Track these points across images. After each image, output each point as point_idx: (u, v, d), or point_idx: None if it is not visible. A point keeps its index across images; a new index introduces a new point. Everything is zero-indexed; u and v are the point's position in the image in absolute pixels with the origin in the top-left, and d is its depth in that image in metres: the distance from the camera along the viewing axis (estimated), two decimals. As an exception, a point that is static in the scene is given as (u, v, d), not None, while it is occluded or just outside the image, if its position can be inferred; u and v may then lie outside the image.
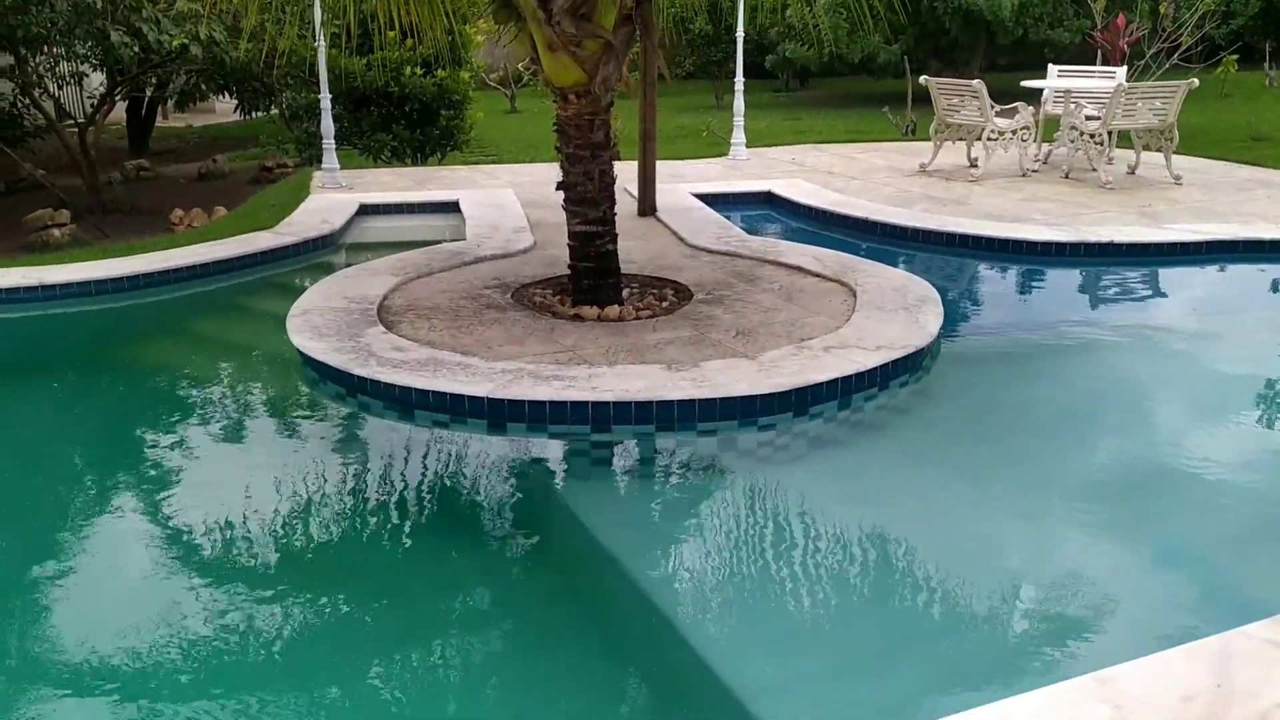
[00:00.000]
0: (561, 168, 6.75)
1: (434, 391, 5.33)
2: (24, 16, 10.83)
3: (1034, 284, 8.33)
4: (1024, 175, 11.31)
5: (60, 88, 15.67)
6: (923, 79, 11.93)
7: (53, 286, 7.22)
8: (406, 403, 5.42)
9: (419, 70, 12.68)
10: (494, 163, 14.58)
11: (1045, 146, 12.03)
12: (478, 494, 4.84)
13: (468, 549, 4.38)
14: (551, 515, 4.79)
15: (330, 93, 11.63)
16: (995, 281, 8.52)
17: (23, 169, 14.66)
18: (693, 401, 5.17)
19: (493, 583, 4.13)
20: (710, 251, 8.17)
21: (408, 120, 13.13)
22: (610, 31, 6.26)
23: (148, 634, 3.59)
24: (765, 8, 12.13)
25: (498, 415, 5.24)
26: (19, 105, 15.12)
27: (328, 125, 10.62)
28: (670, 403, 5.16)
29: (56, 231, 12.13)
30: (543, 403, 5.17)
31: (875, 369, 5.56)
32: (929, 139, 11.89)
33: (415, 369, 5.54)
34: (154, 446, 5.43)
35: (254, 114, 17.59)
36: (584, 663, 3.57)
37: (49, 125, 14.25)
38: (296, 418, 5.78)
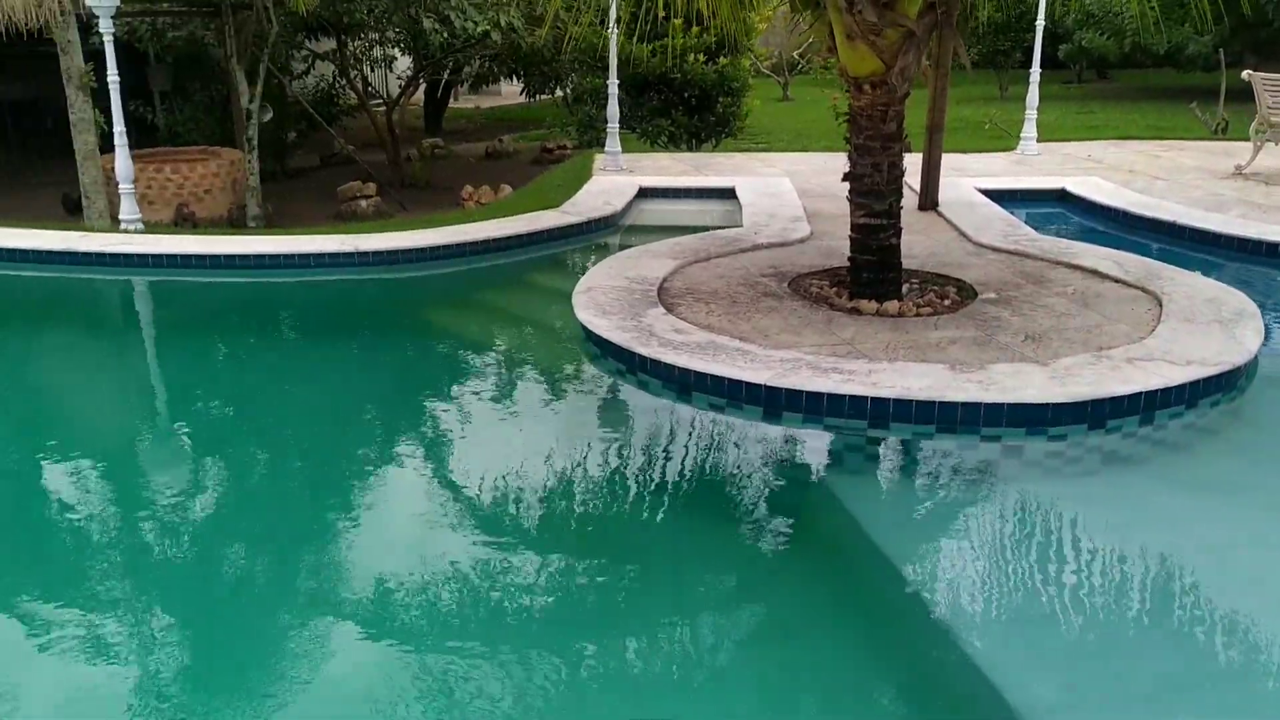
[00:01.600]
0: (849, 158, 6.65)
1: (712, 375, 5.41)
2: (349, 4, 11.81)
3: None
4: (1361, 182, 10.15)
5: (372, 70, 17.01)
6: (1245, 74, 10.89)
7: (366, 253, 7.85)
8: (685, 384, 5.53)
9: (701, 57, 12.85)
10: (765, 150, 14.60)
11: (1388, 150, 10.74)
12: (747, 479, 4.87)
13: (732, 532, 4.42)
14: (821, 507, 4.76)
15: (616, 78, 11.99)
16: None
17: (336, 144, 16.04)
18: (978, 405, 4.99)
19: (753, 568, 4.15)
20: (996, 250, 7.83)
21: (685, 106, 13.35)
22: (913, 20, 6.10)
23: (421, 581, 3.87)
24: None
25: (774, 403, 5.25)
26: (336, 86, 16.56)
27: (613, 110, 10.97)
28: (954, 404, 5.00)
29: (363, 202, 13.20)
30: (820, 394, 5.14)
31: (1184, 385, 5.16)
32: (1246, 139, 10.87)
33: (694, 351, 5.63)
34: (442, 405, 5.82)
35: (537, 97, 18.45)
36: (840, 656, 3.54)
37: (360, 104, 15.53)
38: (577, 390, 6.03)
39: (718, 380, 5.40)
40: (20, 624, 3.65)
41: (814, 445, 5.16)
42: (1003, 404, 4.98)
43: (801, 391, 5.17)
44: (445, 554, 4.08)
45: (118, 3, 8.47)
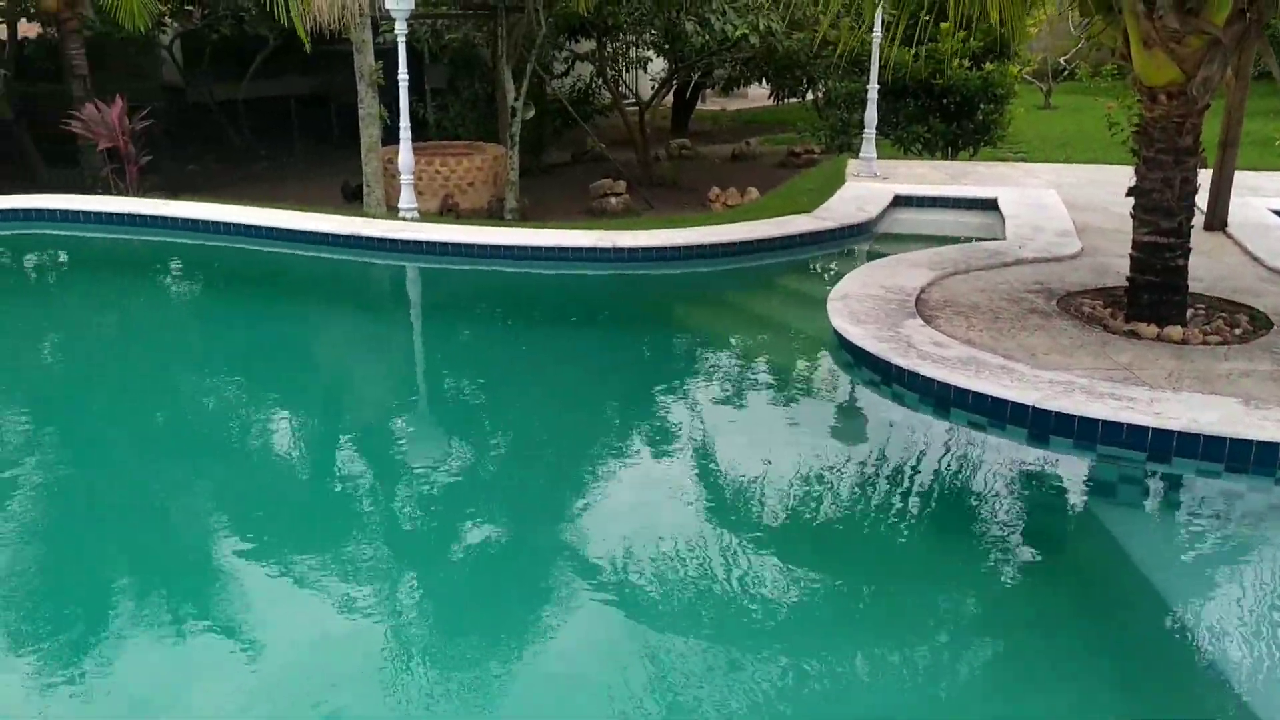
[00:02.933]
0: (1137, 171, 6.26)
1: (975, 392, 5.22)
2: (615, 7, 12.15)
3: None
4: None
5: (626, 71, 17.46)
6: None
7: (622, 249, 8.06)
8: (944, 399, 5.36)
9: (965, 62, 12.43)
10: (1023, 159, 13.95)
11: None
12: (1007, 503, 4.68)
13: (986, 557, 4.26)
14: (1089, 540, 4.51)
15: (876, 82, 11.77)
16: None
17: (589, 141, 16.57)
18: (1276, 445, 4.58)
19: (1007, 594, 3.99)
20: (1295, 278, 7.18)
21: (944, 112, 12.95)
22: (1220, 28, 5.66)
23: (656, 572, 3.94)
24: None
25: (1042, 426, 5.01)
26: (593, 85, 17.10)
27: (871, 115, 10.78)
28: (1248, 442, 4.61)
29: (613, 199, 13.57)
30: (1094, 420, 4.85)
31: None
32: None
33: (955, 366, 5.45)
34: (691, 403, 5.89)
35: (785, 100, 18.37)
36: (1096, 691, 3.34)
37: (614, 104, 15.97)
38: (829, 398, 5.97)
39: (980, 397, 5.20)
40: (335, 577, 3.98)
41: (1083, 474, 4.90)
42: (1307, 446, 4.55)
43: (1074, 416, 4.90)
44: (683, 550, 4.13)
45: (412, 6, 9.05)
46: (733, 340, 7.06)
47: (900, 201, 9.86)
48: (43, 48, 14.72)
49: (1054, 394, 5.07)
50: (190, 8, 13.75)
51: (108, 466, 5.08)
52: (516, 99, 12.36)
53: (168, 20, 13.66)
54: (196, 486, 4.80)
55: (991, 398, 5.16)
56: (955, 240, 8.47)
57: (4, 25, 14.07)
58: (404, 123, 9.41)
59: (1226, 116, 8.24)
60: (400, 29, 9.11)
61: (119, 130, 10.48)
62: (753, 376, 6.33)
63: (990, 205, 9.57)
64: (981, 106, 12.90)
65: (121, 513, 4.50)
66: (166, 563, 4.07)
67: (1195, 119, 5.98)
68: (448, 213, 11.90)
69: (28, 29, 14.63)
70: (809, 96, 16.91)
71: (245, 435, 5.56)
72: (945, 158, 13.21)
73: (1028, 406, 5.02)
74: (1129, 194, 6.32)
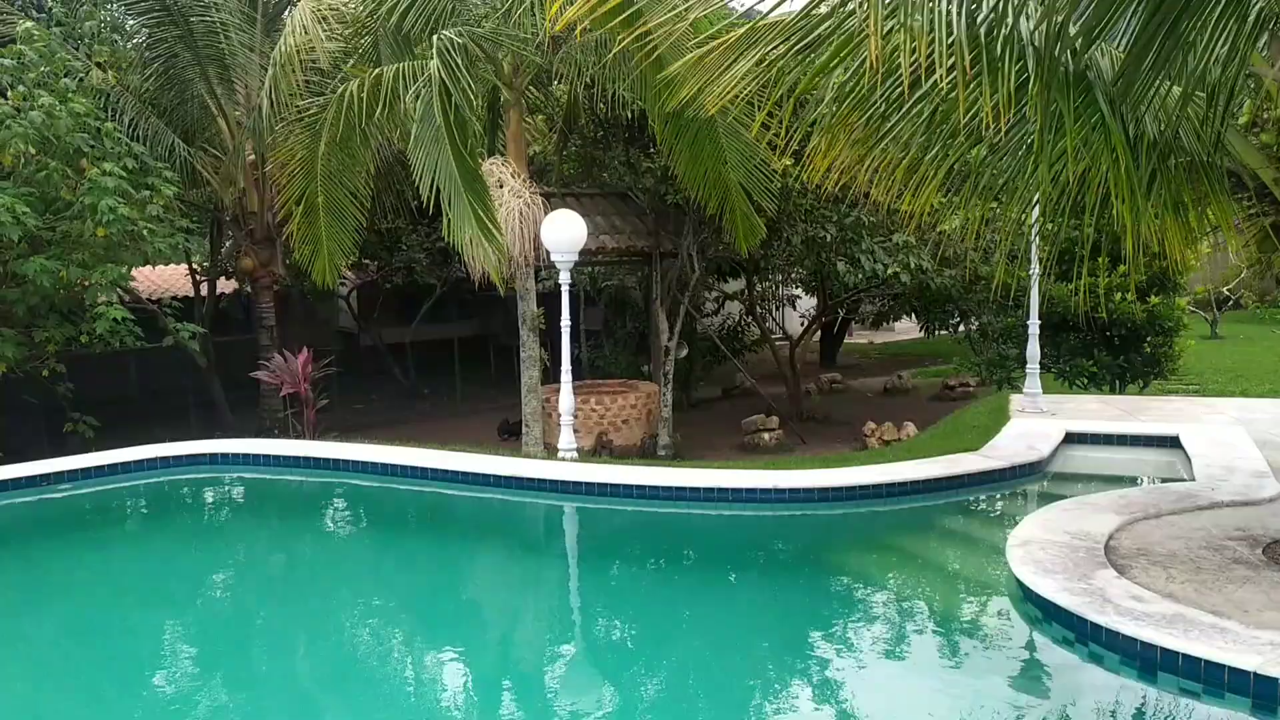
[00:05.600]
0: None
1: (1185, 654, 4.75)
2: (767, 249, 12.56)
3: None
4: None
5: (777, 309, 17.86)
6: None
7: (783, 490, 7.92)
8: (1149, 661, 4.89)
9: (1130, 295, 12.21)
10: (1197, 392, 13.39)
11: None
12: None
13: None
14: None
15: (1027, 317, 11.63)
16: None
17: (738, 377, 16.79)
18: None
19: None
20: None
21: (1109, 346, 12.64)
22: None
23: None
24: None
25: (1266, 695, 4.49)
26: (742, 322, 17.52)
27: (1033, 350, 10.59)
28: None
29: (766, 435, 13.56)
30: (1330, 691, 4.33)
31: None
32: None
33: (1160, 624, 5.00)
34: (857, 658, 5.55)
35: (936, 333, 18.36)
36: None
37: (764, 339, 16.26)
38: (1017, 658, 5.54)
39: (1191, 661, 4.73)
40: None
41: (1324, 753, 4.33)
42: None
43: (1303, 685, 4.39)
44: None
45: (576, 257, 9.54)
46: (904, 589, 6.72)
47: (1072, 439, 9.47)
48: (236, 302, 16.10)
49: (1276, 658, 4.57)
50: (367, 261, 14.89)
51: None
52: (670, 339, 12.72)
53: (348, 274, 14.80)
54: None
55: (1206, 661, 4.69)
56: (1134, 481, 8.02)
57: (206, 283, 15.52)
58: (565, 365, 9.72)
59: None
60: (564, 279, 9.56)
61: (301, 377, 11.17)
62: (928, 632, 5.96)
63: (1173, 443, 9.08)
64: (1148, 339, 12.55)
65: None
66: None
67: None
68: (602, 449, 12.08)
69: (225, 285, 16.07)
70: (959, 329, 16.86)
71: (403, 675, 5.54)
72: (1113, 392, 12.78)
73: (1249, 673, 4.53)
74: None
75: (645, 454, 12.52)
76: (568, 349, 9.72)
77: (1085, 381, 12.70)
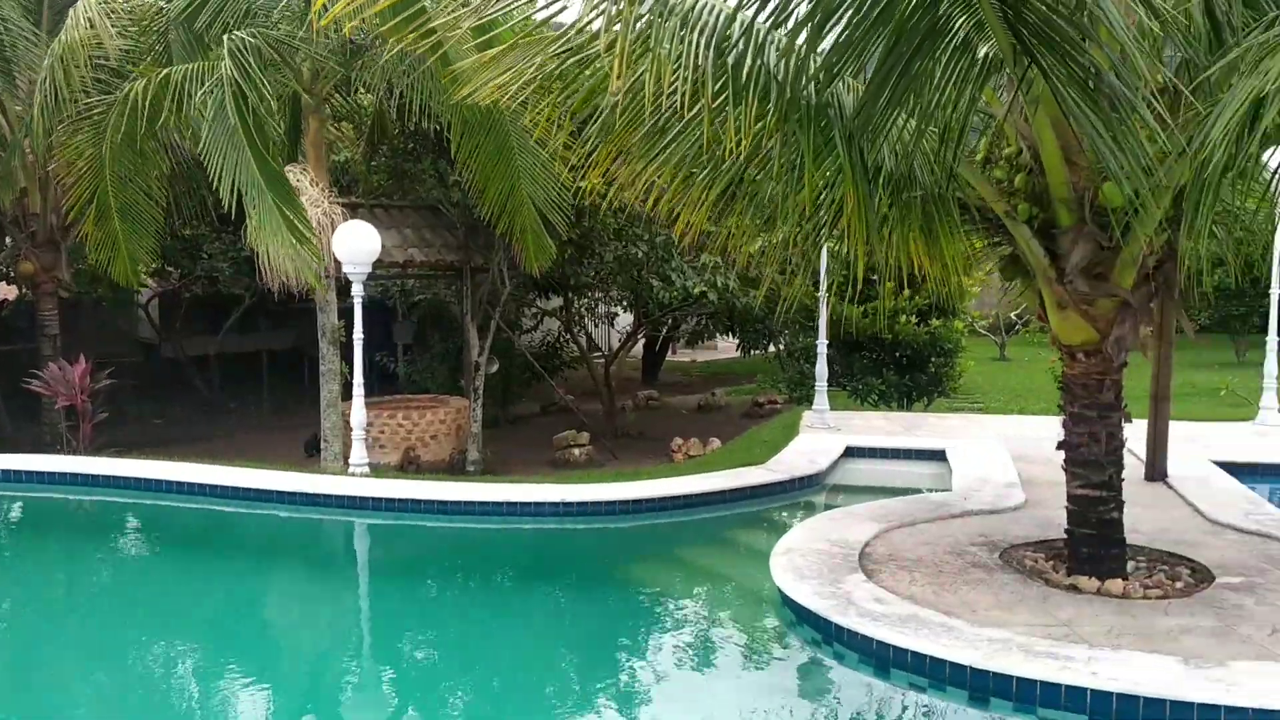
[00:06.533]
0: (1064, 426, 6.40)
1: (913, 651, 5.10)
2: (577, 266, 12.73)
3: None
4: None
5: (595, 326, 18.06)
6: None
7: (571, 504, 8.06)
8: (884, 659, 5.23)
9: (913, 319, 12.95)
10: (980, 411, 14.26)
11: None
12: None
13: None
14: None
15: (826, 338, 12.20)
16: None
17: (556, 394, 16.89)
18: (1217, 708, 4.45)
19: None
20: (1237, 529, 7.20)
21: (897, 366, 13.36)
22: (1128, 290, 5.97)
23: None
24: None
25: (981, 687, 4.87)
26: (560, 339, 17.63)
27: (822, 369, 11.12)
28: (1189, 704, 4.49)
29: (577, 450, 13.67)
30: (1033, 681, 4.73)
31: None
32: None
33: (894, 624, 5.35)
34: (628, 662, 5.74)
35: (752, 352, 18.94)
36: None
37: (581, 357, 16.42)
38: (770, 657, 5.82)
39: (919, 657, 5.08)
40: None
41: (1026, 739, 4.72)
42: (1248, 709, 4.43)
43: (1011, 676, 4.78)
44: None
45: (369, 270, 9.47)
46: (677, 597, 6.95)
47: (851, 452, 9.98)
48: (19, 310, 15.17)
49: (992, 653, 4.96)
50: (170, 269, 14.31)
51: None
52: (480, 354, 12.71)
53: (147, 281, 14.18)
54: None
55: (931, 657, 5.05)
56: (906, 492, 8.51)
57: (-16, 289, 14.58)
58: (358, 379, 9.62)
59: (1155, 371, 8.51)
60: (357, 291, 9.48)
61: (78, 389, 10.65)
62: (694, 636, 6.19)
63: (939, 456, 9.70)
64: (932, 360, 13.32)
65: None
66: None
67: (1114, 375, 6.18)
68: (409, 466, 11.95)
69: (7, 291, 15.14)
70: (771, 349, 17.45)
71: (189, 699, 5.37)
72: (901, 408, 13.51)
73: (966, 667, 4.91)
74: (1058, 448, 6.44)
75: (454, 470, 12.44)
76: (360, 364, 9.63)
77: (876, 399, 13.38)
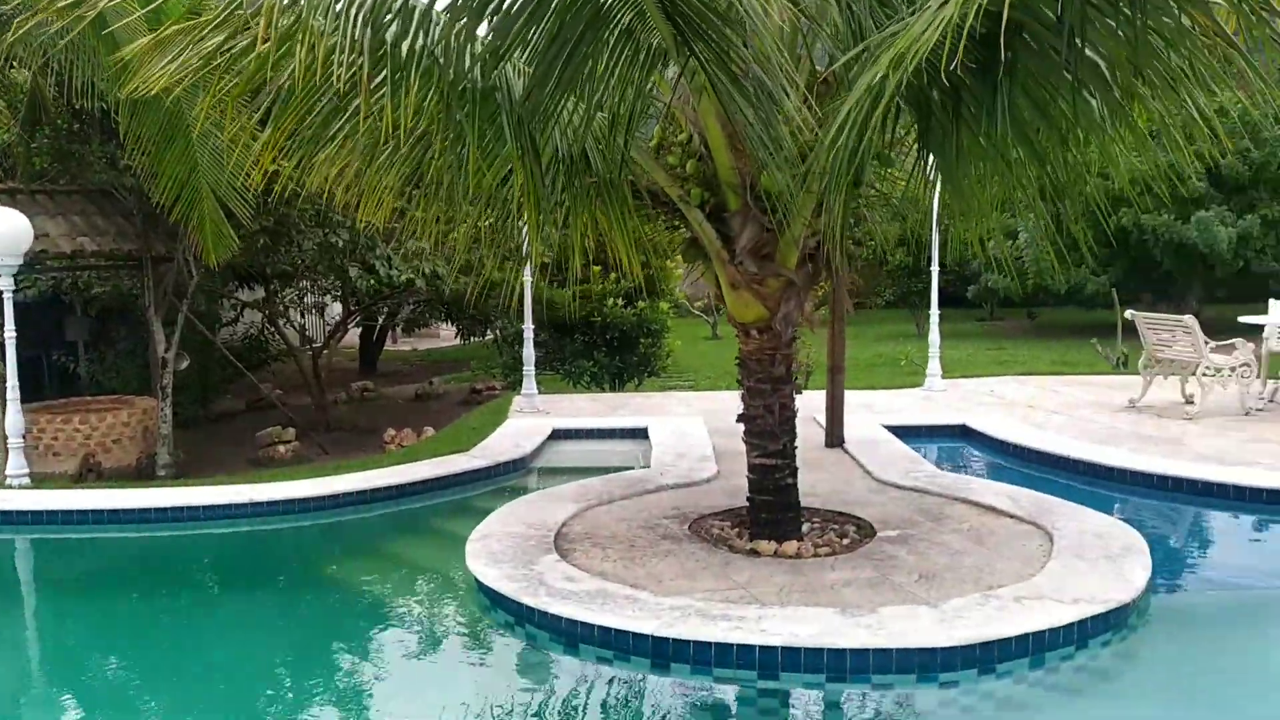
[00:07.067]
0: (742, 400, 6.77)
1: (599, 626, 5.24)
2: (273, 255, 12.14)
3: (1259, 535, 7.56)
4: (1247, 414, 10.51)
5: (303, 316, 17.32)
6: (1129, 313, 11.50)
7: (260, 504, 7.70)
8: (572, 635, 5.34)
9: (619, 302, 13.28)
10: (691, 389, 14.85)
11: (1271, 384, 11.19)
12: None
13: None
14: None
15: (536, 322, 12.30)
16: (1214, 531, 7.78)
17: (261, 389, 16.07)
18: (866, 651, 4.86)
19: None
20: (898, 487, 7.89)
21: (608, 347, 13.67)
22: (792, 270, 6.37)
23: None
24: (957, 240, 12.15)
25: (662, 655, 5.08)
26: (265, 332, 16.78)
27: (528, 353, 11.19)
28: (842, 651, 4.87)
29: (282, 448, 13.06)
30: (708, 644, 4.98)
31: (1072, 625, 5.09)
32: (1140, 373, 11.32)
33: (583, 601, 5.48)
34: (323, 662, 5.55)
35: (471, 339, 18.82)
36: None
37: (289, 350, 15.70)
38: (465, 644, 5.81)
39: (605, 631, 5.23)
40: None
41: (705, 698, 4.96)
42: (890, 649, 4.86)
43: (689, 641, 5.01)
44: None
45: (19, 261, 8.63)
46: (374, 592, 6.78)
47: (558, 435, 10.13)
48: None
49: (671, 621, 5.17)
50: None
51: None
52: (168, 349, 11.87)
53: None
54: None
55: (615, 630, 5.20)
56: (610, 470, 8.72)
57: None
58: (11, 382, 8.77)
59: (830, 345, 9.17)
60: (5, 285, 8.63)
61: None
62: (390, 629, 6.06)
63: (642, 434, 10.01)
64: (641, 340, 13.73)
65: None
66: None
67: (785, 350, 6.59)
68: (89, 473, 10.98)
69: None
70: (488, 335, 17.41)
71: None
72: (614, 389, 13.85)
73: (647, 636, 5.09)
74: (738, 421, 6.80)
75: (142, 475, 11.56)
76: (12, 363, 8.75)
77: (589, 380, 13.64)
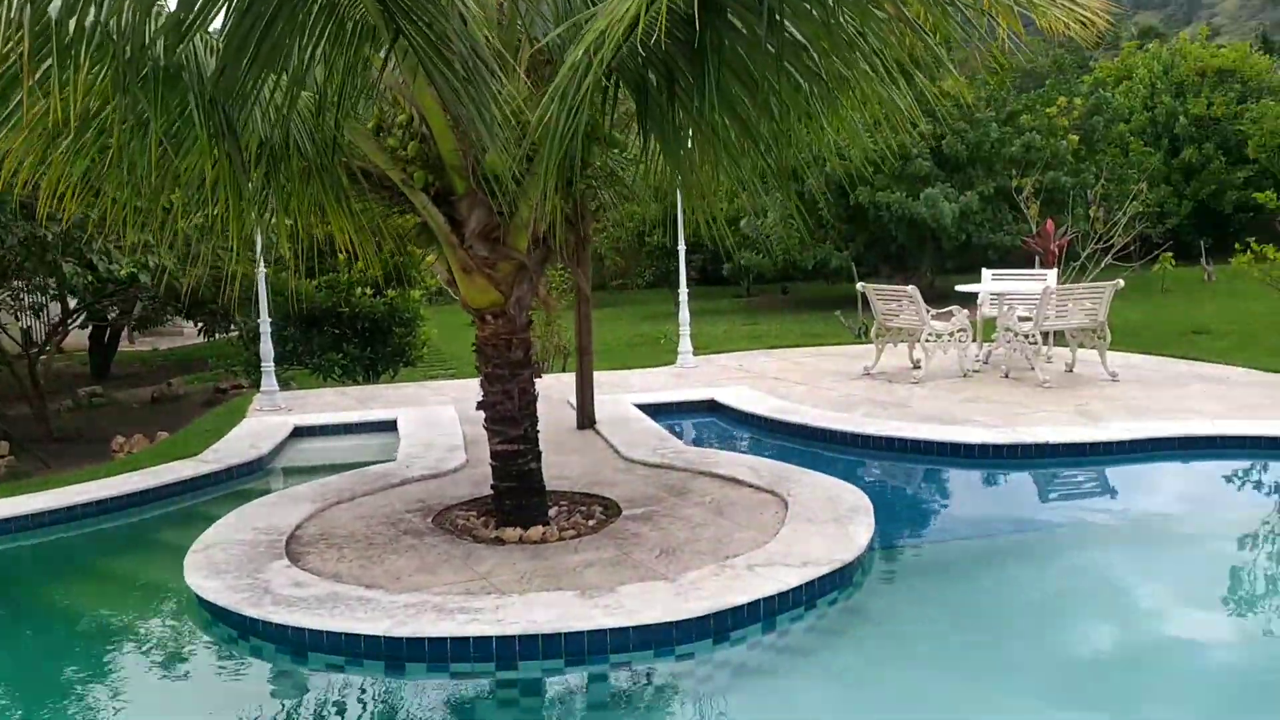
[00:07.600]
0: (481, 386, 6.64)
1: (328, 631, 4.99)
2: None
3: (973, 488, 8.15)
4: (965, 376, 11.34)
5: (17, 319, 15.78)
6: (859, 286, 12.15)
7: (-50, 526, 6.92)
8: (300, 644, 5.07)
9: (368, 291, 12.82)
10: (452, 377, 14.56)
11: (985, 347, 12.12)
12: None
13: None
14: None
15: (280, 314, 11.68)
16: (934, 487, 8.32)
17: (-29, 400, 14.52)
18: (603, 631, 4.86)
19: None
20: (645, 464, 7.98)
21: (360, 338, 13.18)
22: (523, 253, 6.27)
23: None
24: (689, 220, 12.47)
25: (395, 655, 4.89)
26: (-27, 337, 15.16)
27: (266, 348, 10.62)
28: (579, 634, 4.84)
29: (-9, 463, 11.85)
30: (442, 639, 4.84)
31: (800, 587, 5.28)
32: (873, 341, 11.98)
33: (312, 607, 5.20)
34: (27, 693, 5.02)
35: (216, 336, 17.72)
36: None
37: (2, 355, 14.26)
38: (183, 664, 5.39)
39: (333, 636, 4.98)
40: None
41: (442, 696, 4.81)
42: (628, 628, 4.87)
43: (422, 638, 4.85)
44: None
45: None
46: (86, 615, 6.20)
47: (301, 432, 9.66)
48: None
49: (404, 619, 4.99)
50: None
51: None
52: None
53: None
54: None
55: (345, 635, 4.96)
56: (354, 467, 8.37)
57: None
58: None
59: (577, 327, 9.17)
60: None
61: None
62: (103, 658, 5.54)
63: (391, 427, 9.70)
64: (394, 330, 13.32)
65: None
66: None
67: (521, 334, 6.49)
68: None
69: None
70: (233, 331, 16.44)
71: None
72: (367, 382, 13.37)
73: (379, 637, 4.89)
74: (478, 408, 6.66)
75: None
76: None
77: (340, 374, 13.11)
